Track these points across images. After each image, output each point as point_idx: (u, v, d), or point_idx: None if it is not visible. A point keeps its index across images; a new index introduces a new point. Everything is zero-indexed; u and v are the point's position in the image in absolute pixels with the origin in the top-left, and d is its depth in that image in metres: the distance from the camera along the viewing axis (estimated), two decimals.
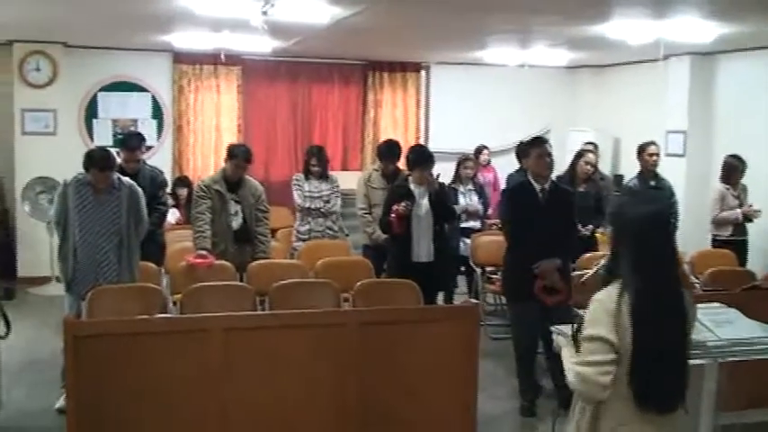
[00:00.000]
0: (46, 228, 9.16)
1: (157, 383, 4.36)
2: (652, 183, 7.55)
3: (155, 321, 4.69)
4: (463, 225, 7.95)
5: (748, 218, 7.63)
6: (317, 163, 7.34)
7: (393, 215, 6.03)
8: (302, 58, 10.61)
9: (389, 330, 4.71)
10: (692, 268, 6.96)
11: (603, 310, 2.69)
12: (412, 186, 6.17)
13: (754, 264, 7.52)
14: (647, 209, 2.79)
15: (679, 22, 6.89)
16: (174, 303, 5.64)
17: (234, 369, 4.45)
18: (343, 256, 6.94)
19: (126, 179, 5.75)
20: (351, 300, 5.59)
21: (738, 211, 7.58)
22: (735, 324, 3.79)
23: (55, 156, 9.26)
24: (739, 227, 7.66)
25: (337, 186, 7.42)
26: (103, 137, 10.05)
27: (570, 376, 2.75)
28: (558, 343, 3.08)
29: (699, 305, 3.94)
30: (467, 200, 8.08)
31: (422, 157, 6.23)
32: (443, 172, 6.80)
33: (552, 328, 3.42)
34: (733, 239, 7.58)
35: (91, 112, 10.22)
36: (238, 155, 6.51)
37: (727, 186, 7.65)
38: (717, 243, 7.65)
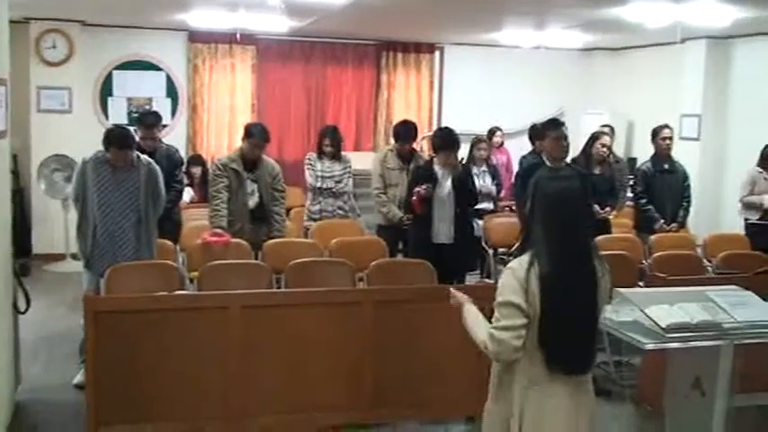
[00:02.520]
0: (61, 205, 9.23)
1: (175, 359, 4.42)
2: (665, 166, 7.52)
3: (174, 298, 4.74)
4: (476, 206, 7.94)
5: None
6: (330, 143, 7.35)
7: (414, 197, 6.10)
8: (316, 38, 10.60)
9: (405, 309, 4.77)
10: (704, 251, 6.99)
11: (515, 278, 2.86)
12: (436, 168, 6.20)
13: None
14: (559, 185, 2.96)
15: (697, 5, 6.86)
16: (191, 281, 5.67)
17: (251, 346, 4.51)
18: (356, 236, 6.96)
19: (144, 157, 5.77)
20: (365, 279, 5.61)
21: (766, 196, 7.48)
22: (751, 306, 3.81)
23: (70, 133, 9.32)
24: None
25: (350, 167, 7.43)
26: (118, 115, 10.09)
27: (485, 339, 2.89)
28: (464, 314, 3.15)
29: (715, 287, 4.00)
30: (480, 181, 8.05)
31: (448, 140, 6.24)
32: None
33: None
34: (762, 223, 7.48)
35: (106, 90, 10.25)
36: (255, 134, 6.47)
37: (761, 170, 7.55)
38: (748, 226, 7.56)
